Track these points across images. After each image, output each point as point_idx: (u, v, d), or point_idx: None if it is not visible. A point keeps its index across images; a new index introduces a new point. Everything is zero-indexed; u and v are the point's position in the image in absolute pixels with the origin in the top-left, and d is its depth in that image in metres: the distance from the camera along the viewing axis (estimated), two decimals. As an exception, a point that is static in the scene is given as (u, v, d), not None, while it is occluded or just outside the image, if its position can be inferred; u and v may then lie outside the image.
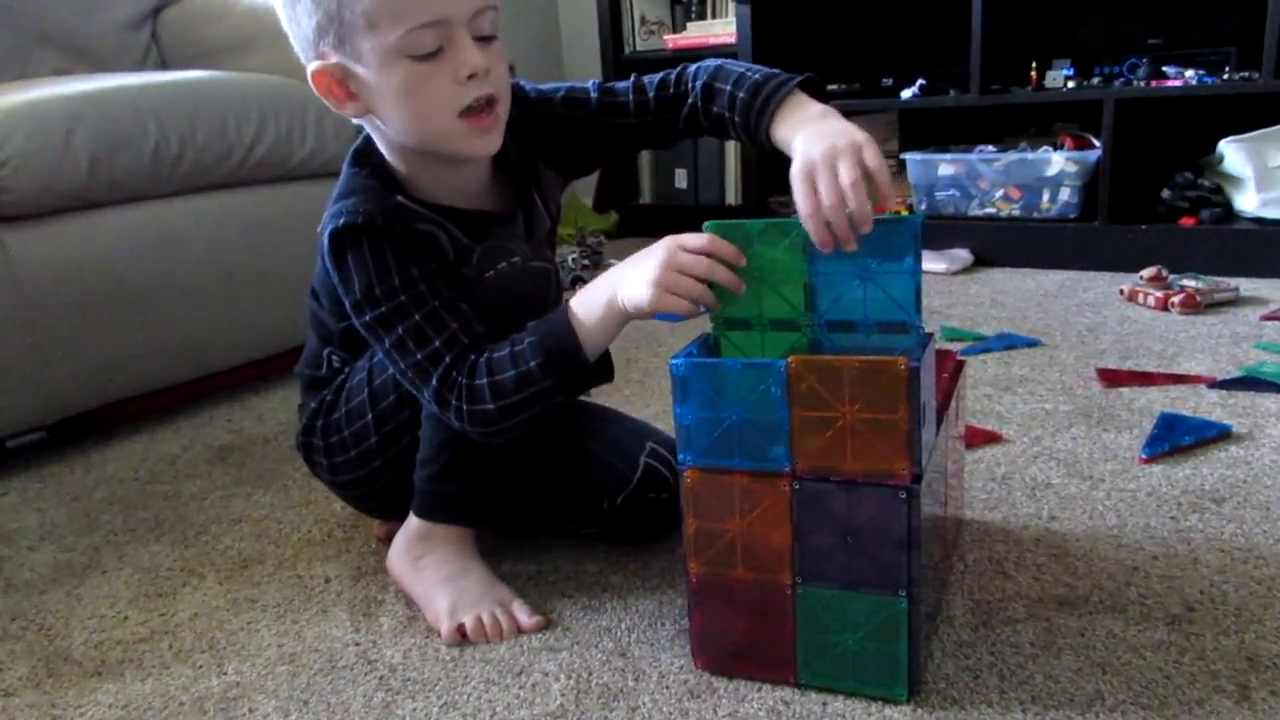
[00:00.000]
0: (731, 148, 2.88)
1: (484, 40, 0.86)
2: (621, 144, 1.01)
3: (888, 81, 2.58)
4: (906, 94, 2.42)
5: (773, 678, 0.80)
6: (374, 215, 0.86)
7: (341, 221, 0.86)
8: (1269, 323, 1.69)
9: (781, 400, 0.73)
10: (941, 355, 0.94)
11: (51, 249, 1.39)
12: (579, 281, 2.33)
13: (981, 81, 2.26)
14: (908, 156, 2.39)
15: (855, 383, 0.71)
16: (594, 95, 0.98)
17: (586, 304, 0.84)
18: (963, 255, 2.29)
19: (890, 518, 0.72)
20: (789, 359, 0.72)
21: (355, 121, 0.92)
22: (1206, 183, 2.14)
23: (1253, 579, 0.90)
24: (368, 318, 0.87)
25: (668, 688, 0.80)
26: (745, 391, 0.74)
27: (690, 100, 0.94)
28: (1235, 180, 2.10)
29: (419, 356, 0.86)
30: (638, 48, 3.03)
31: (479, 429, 0.86)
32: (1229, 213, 2.11)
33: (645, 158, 3.09)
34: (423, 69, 0.84)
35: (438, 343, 0.85)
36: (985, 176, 2.30)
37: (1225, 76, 2.08)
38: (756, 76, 0.89)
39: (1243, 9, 2.11)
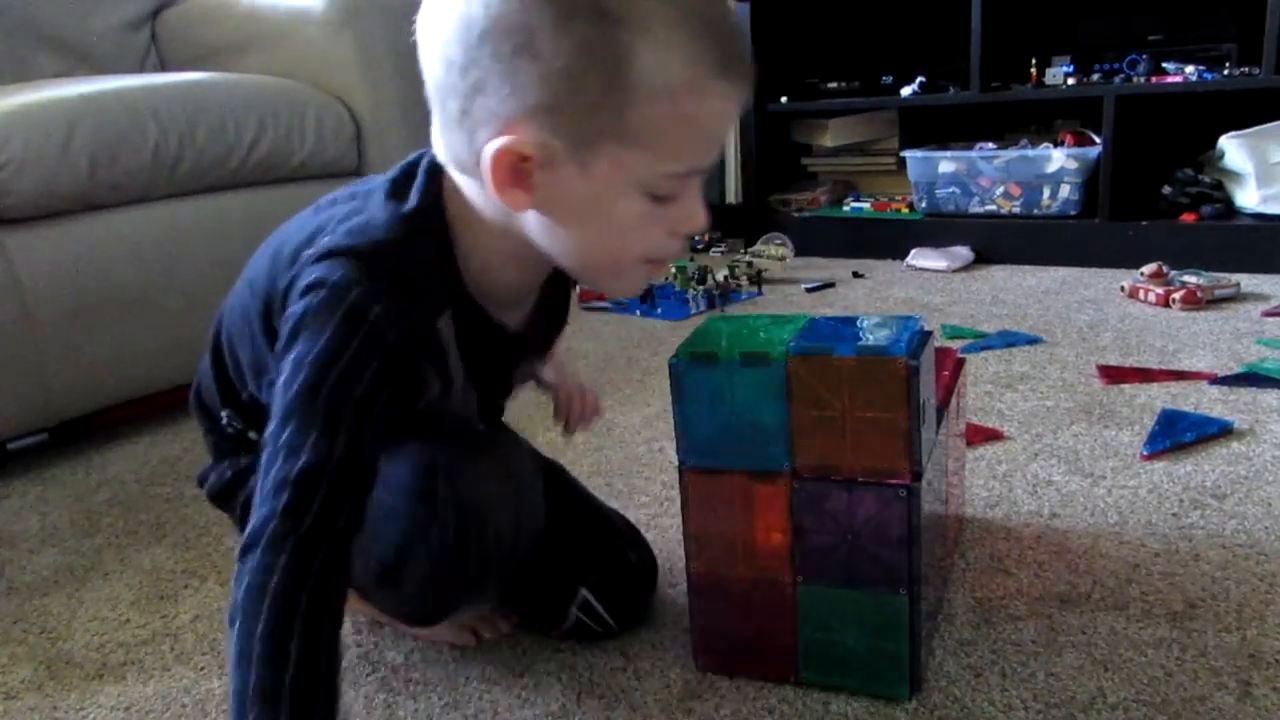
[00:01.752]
0: (731, 146, 2.87)
1: None
2: None
3: (888, 79, 2.58)
4: (906, 91, 2.42)
5: (774, 676, 0.80)
6: (386, 329, 0.65)
7: (352, 296, 0.65)
8: (1270, 319, 1.69)
9: (781, 399, 0.73)
10: (942, 353, 0.94)
11: (52, 251, 1.39)
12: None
13: (981, 78, 2.25)
14: (908, 154, 2.38)
15: (855, 381, 0.70)
16: None
17: None
18: (963, 253, 2.29)
19: (891, 516, 0.72)
20: (788, 358, 0.72)
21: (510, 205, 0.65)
22: (1207, 179, 2.14)
23: (1254, 575, 0.90)
24: (293, 388, 0.64)
25: (669, 687, 0.80)
26: (744, 390, 0.73)
27: None
28: (1236, 176, 2.10)
29: (300, 462, 0.62)
30: (637, 47, 3.02)
31: (251, 577, 0.62)
32: (1230, 209, 2.11)
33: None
34: (652, 211, 0.66)
35: (325, 483, 0.62)
36: (986, 174, 2.30)
37: (1226, 73, 2.08)
38: None
39: (1243, 5, 2.10)
